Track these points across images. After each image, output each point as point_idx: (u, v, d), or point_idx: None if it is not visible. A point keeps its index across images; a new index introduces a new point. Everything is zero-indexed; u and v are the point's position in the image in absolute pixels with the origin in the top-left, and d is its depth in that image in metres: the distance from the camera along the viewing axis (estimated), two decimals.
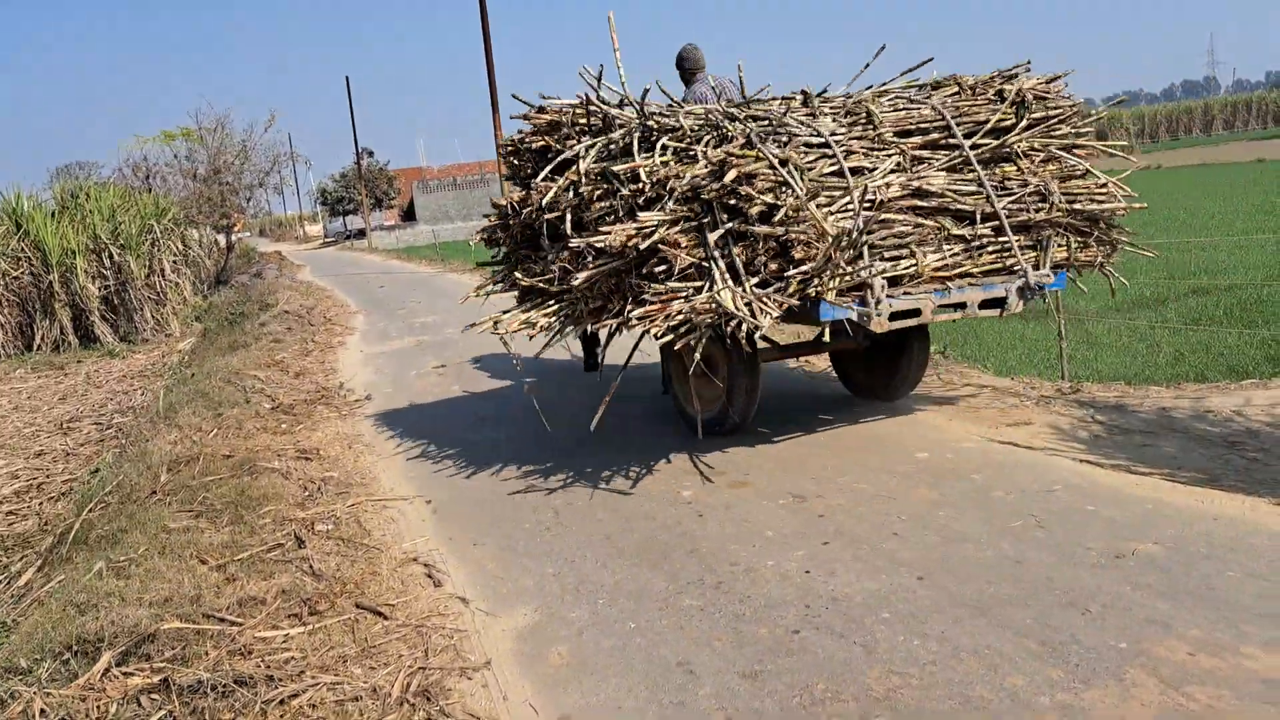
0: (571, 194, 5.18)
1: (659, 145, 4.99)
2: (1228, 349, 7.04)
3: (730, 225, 4.71)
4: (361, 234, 47.71)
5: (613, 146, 5.22)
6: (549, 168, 5.43)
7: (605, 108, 5.45)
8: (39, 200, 16.43)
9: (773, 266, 4.72)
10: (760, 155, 4.75)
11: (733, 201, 4.72)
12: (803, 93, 5.58)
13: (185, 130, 26.26)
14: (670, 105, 5.54)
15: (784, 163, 4.75)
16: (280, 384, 9.28)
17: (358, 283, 22.46)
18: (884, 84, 5.85)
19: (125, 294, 15.46)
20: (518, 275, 5.73)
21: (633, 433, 6.34)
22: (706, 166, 4.77)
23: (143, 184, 23.65)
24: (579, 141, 5.39)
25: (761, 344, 6.50)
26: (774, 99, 5.70)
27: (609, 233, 4.79)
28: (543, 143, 5.75)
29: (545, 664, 3.42)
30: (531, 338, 5.40)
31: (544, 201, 5.24)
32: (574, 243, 5.05)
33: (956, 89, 5.63)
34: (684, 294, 4.66)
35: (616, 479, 5.43)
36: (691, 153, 4.91)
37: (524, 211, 5.59)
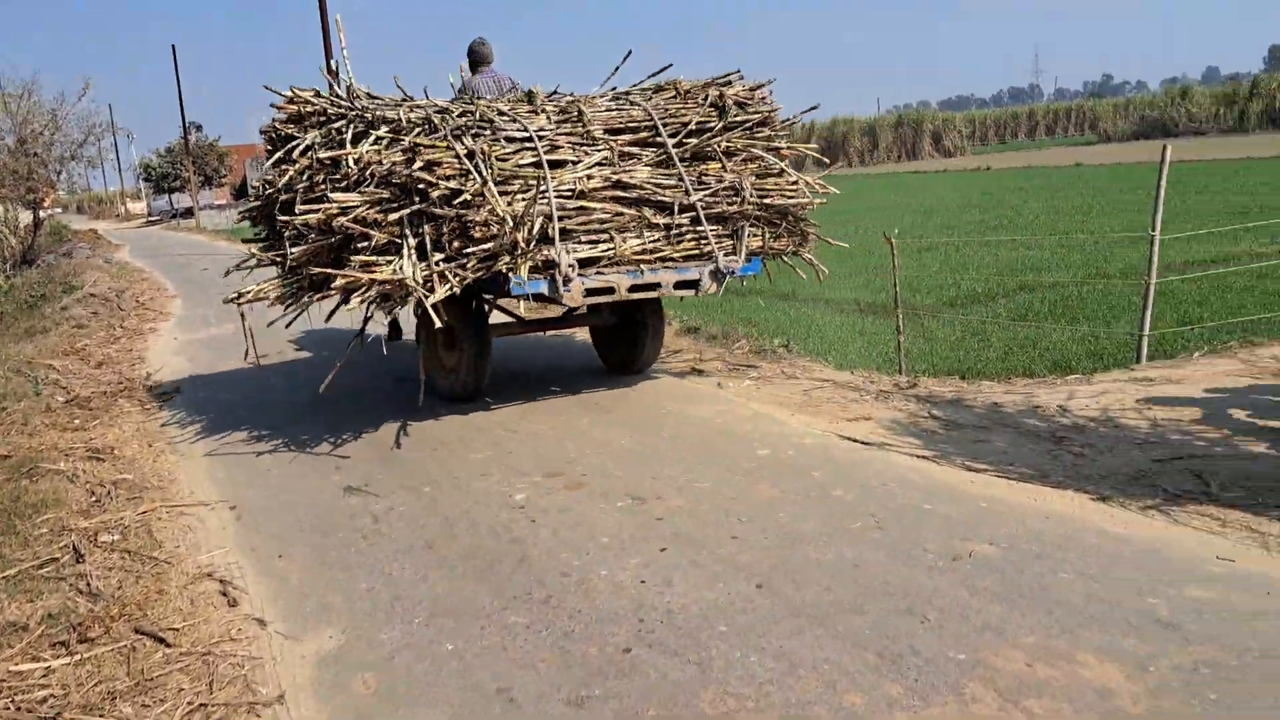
0: (304, 178, 5.58)
1: (373, 135, 5.41)
2: (1052, 345, 7.25)
3: (418, 206, 5.14)
4: (189, 213, 44.79)
5: (341, 135, 5.60)
6: (279, 153, 5.86)
7: (329, 100, 5.98)
8: None
9: (457, 245, 5.12)
10: (450, 146, 5.25)
11: (422, 186, 5.14)
12: (529, 92, 6.14)
13: None
14: (404, 99, 6.06)
15: (471, 154, 5.23)
16: (79, 374, 8.46)
17: (179, 264, 21.04)
18: (635, 85, 6.46)
19: None
20: (255, 252, 6.14)
21: (471, 430, 5.99)
22: (402, 154, 5.25)
23: None
24: (316, 130, 5.83)
25: (504, 318, 7.12)
26: (524, 96, 6.24)
27: (315, 211, 5.22)
28: (290, 130, 6.07)
29: (348, 694, 3.06)
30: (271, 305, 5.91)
31: (281, 184, 5.71)
32: (282, 218, 5.54)
33: (674, 93, 6.21)
34: (379, 267, 5.07)
35: (446, 481, 5.07)
36: (401, 142, 5.35)
37: (268, 193, 6.02)
